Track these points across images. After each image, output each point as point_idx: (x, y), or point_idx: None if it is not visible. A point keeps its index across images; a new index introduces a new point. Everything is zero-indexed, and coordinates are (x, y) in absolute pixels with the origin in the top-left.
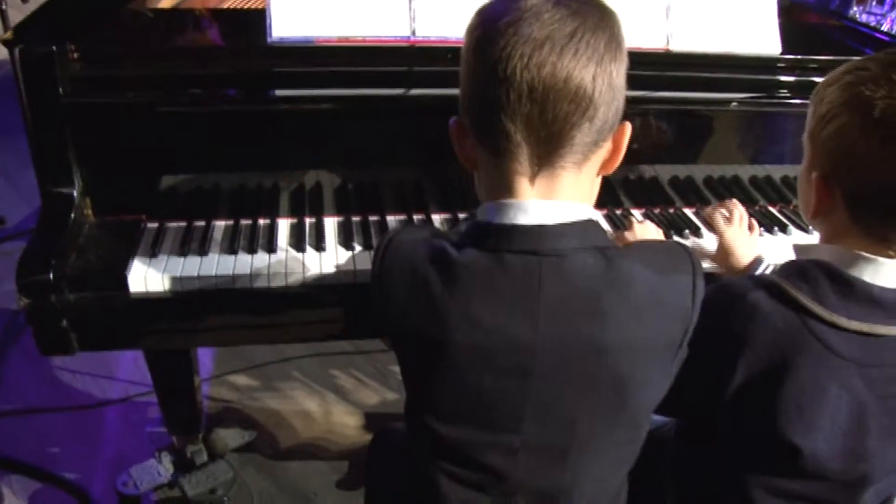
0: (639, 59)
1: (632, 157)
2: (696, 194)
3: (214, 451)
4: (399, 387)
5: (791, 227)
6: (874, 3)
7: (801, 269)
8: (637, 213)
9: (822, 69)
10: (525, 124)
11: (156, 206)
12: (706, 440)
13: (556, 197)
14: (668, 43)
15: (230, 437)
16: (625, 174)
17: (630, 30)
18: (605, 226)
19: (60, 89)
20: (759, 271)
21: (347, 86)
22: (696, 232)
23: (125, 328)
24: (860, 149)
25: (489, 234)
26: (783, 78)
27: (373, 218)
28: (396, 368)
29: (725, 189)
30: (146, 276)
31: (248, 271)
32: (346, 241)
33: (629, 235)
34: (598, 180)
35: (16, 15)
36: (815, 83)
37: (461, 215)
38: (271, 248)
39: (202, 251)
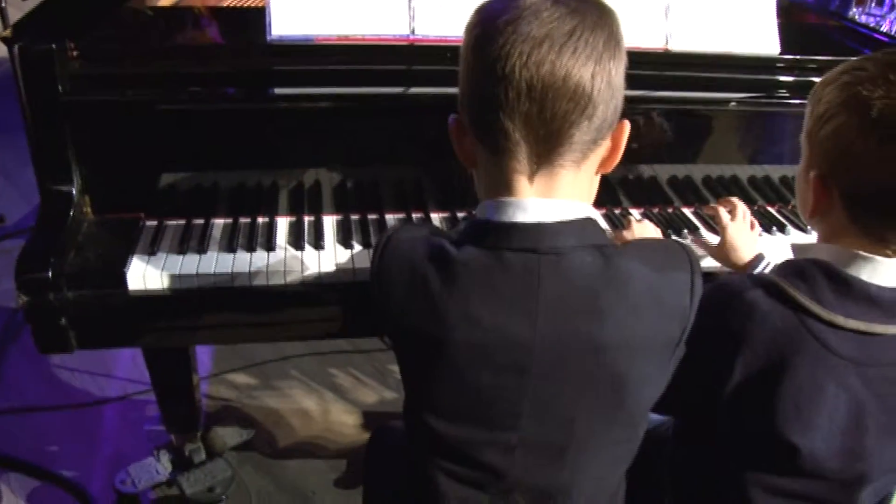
0: (638, 59)
1: (631, 156)
2: (695, 194)
3: (213, 450)
4: (397, 386)
5: (789, 227)
6: (873, 4)
7: (798, 268)
8: (636, 213)
9: (820, 69)
10: (524, 122)
11: (155, 204)
12: (704, 439)
13: (555, 195)
14: (667, 43)
15: (229, 435)
16: (624, 174)
17: (629, 29)
18: (604, 225)
19: (60, 87)
20: (759, 269)
21: (347, 84)
22: (695, 231)
23: (124, 326)
24: (858, 149)
25: (488, 231)
26: (782, 78)
27: (372, 216)
28: (395, 367)
29: (724, 189)
30: (145, 274)
31: (246, 269)
32: (344, 239)
33: (627, 234)
34: (597, 179)
35: (15, 13)
36: (814, 83)
37: (460, 214)
38: (270, 246)
39: (201, 249)
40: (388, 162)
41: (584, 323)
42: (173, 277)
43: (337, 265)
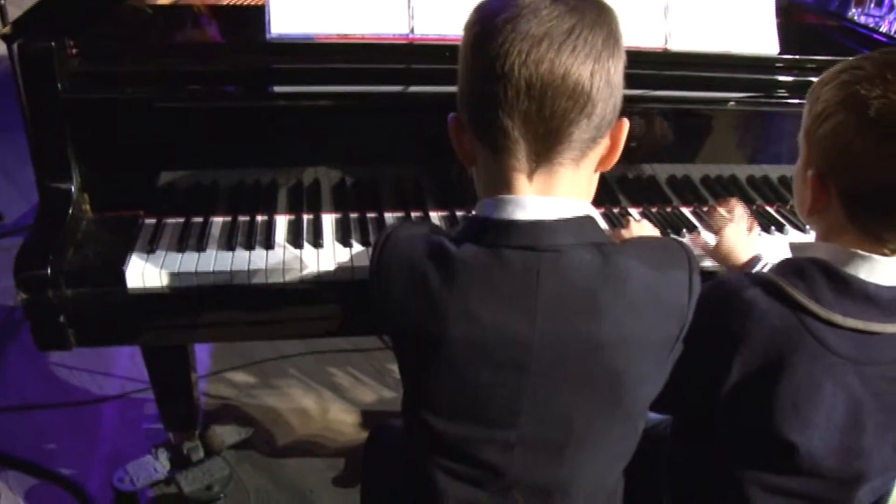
0: (637, 58)
1: (629, 155)
2: (694, 193)
3: (211, 448)
4: (396, 385)
5: (788, 227)
6: (872, 4)
7: (797, 266)
8: (635, 212)
9: (819, 69)
10: (523, 121)
11: (154, 202)
12: (702, 438)
13: (554, 193)
14: (666, 42)
15: (227, 433)
16: (623, 173)
17: (628, 29)
18: (603, 224)
19: (59, 85)
20: (756, 269)
21: (346, 83)
22: (694, 231)
23: (123, 324)
24: (856, 148)
25: (487, 229)
26: (781, 78)
27: (371, 215)
28: (393, 366)
29: (723, 188)
30: (144, 272)
31: (245, 267)
32: (343, 237)
33: (626, 233)
34: (596, 177)
35: (14, 11)
36: (813, 83)
37: (459, 213)
38: (269, 244)
39: (200, 247)
40: (388, 160)
41: (582, 321)
42: (172, 275)
43: (336, 264)
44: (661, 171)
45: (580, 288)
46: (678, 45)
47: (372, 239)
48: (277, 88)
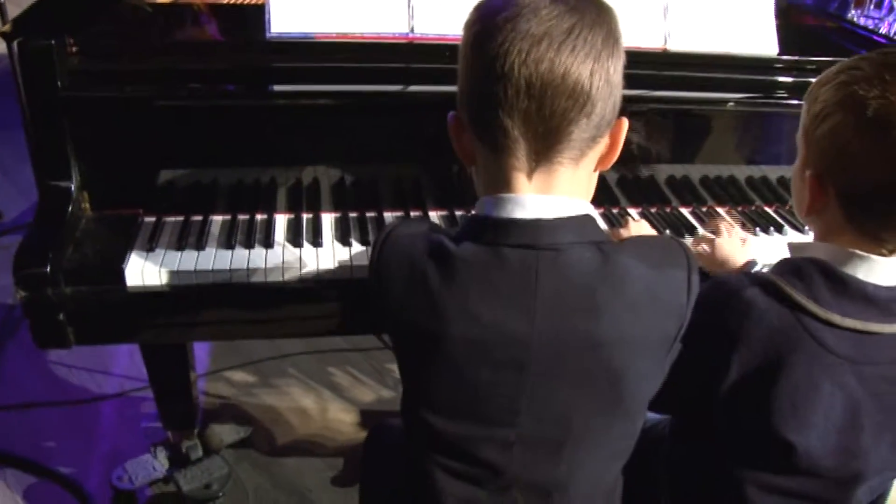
0: (636, 59)
1: (629, 156)
2: (693, 194)
3: (210, 447)
4: (395, 384)
5: (787, 228)
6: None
7: (795, 266)
8: (634, 213)
9: (818, 70)
10: (523, 120)
11: (153, 201)
12: (700, 438)
13: (554, 192)
14: (665, 42)
15: (226, 432)
16: (622, 173)
17: (628, 29)
18: (602, 224)
19: (59, 83)
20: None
21: (346, 82)
22: (693, 231)
23: (122, 322)
24: (854, 148)
25: (486, 228)
26: (780, 79)
27: (370, 214)
28: (392, 366)
29: (722, 189)
30: (143, 270)
31: (245, 266)
32: (342, 237)
33: (624, 233)
34: (596, 176)
35: (14, 9)
36: (811, 84)
37: (458, 212)
38: (268, 243)
39: (199, 246)
40: (387, 160)
41: (581, 319)
42: (171, 274)
43: (335, 263)
44: (661, 171)
45: (579, 286)
46: (677, 45)
47: (371, 238)
48: (277, 87)
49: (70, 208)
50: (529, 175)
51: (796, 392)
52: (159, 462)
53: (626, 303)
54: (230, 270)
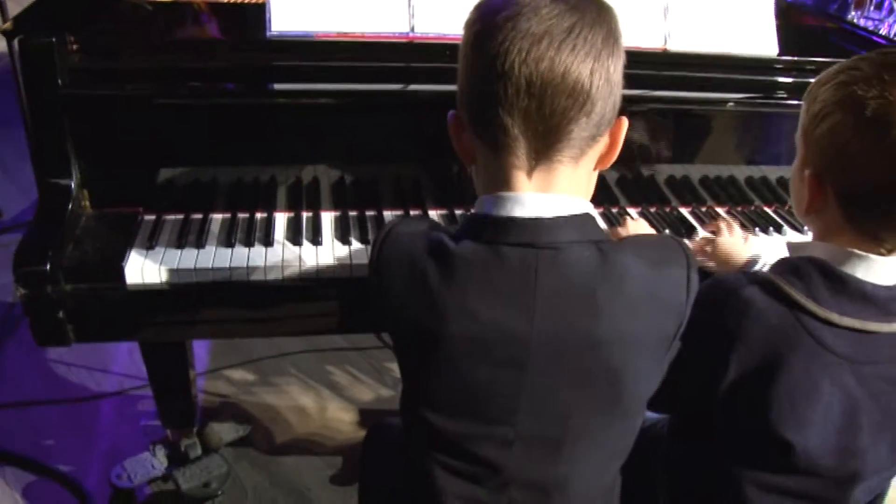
0: (636, 59)
1: (628, 155)
2: (693, 194)
3: (209, 445)
4: (394, 383)
5: (786, 228)
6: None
7: (794, 266)
8: (633, 212)
9: (818, 71)
10: (523, 118)
11: (153, 199)
12: (699, 437)
13: (553, 190)
14: (665, 42)
15: (225, 431)
16: (622, 173)
17: (628, 29)
18: (602, 224)
19: (59, 81)
20: (755, 269)
21: (346, 81)
22: (692, 231)
23: (121, 320)
24: (853, 148)
25: (486, 226)
26: (780, 79)
27: (370, 213)
28: (392, 365)
29: (721, 189)
30: (143, 268)
31: (244, 264)
32: (342, 235)
33: (623, 231)
34: (595, 175)
35: (14, 8)
36: (811, 83)
37: (458, 211)
38: (268, 241)
39: (199, 244)
40: (387, 159)
41: (580, 319)
42: (171, 272)
43: (334, 261)
44: (660, 171)
45: (578, 285)
46: (677, 45)
47: (371, 237)
48: (277, 86)
49: (70, 206)
50: (529, 174)
51: (795, 391)
52: (158, 460)
53: (625, 302)
54: (230, 269)
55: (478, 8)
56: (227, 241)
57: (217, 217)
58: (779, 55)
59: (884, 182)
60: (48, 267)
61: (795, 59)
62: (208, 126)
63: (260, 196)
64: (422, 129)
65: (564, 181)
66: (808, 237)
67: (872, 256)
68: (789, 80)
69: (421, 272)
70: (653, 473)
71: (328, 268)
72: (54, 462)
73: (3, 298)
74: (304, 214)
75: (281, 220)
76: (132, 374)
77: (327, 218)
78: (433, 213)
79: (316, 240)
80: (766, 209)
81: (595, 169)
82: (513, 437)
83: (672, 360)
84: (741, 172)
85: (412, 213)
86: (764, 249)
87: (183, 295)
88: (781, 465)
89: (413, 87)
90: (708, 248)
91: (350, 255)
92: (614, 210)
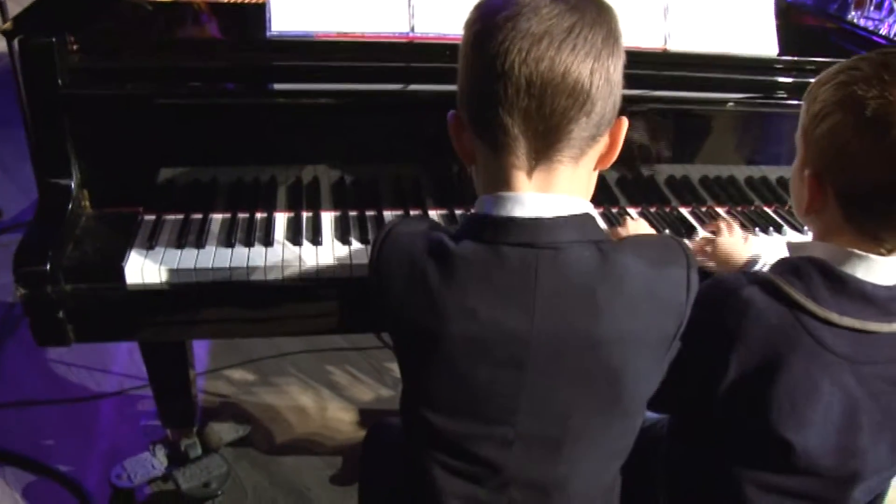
0: (636, 59)
1: (628, 155)
2: (692, 194)
3: (209, 445)
4: (394, 383)
5: (786, 228)
6: (871, 8)
7: (794, 265)
8: (633, 212)
9: (818, 71)
10: (523, 118)
11: (153, 199)
12: (699, 437)
13: (553, 190)
14: (665, 43)
15: (224, 431)
16: (622, 173)
17: (628, 29)
18: (601, 223)
19: (59, 80)
20: (755, 269)
21: (346, 81)
22: (692, 231)
23: (121, 320)
24: (853, 148)
25: (486, 226)
26: (780, 79)
27: (370, 213)
28: (391, 365)
29: (721, 189)
30: (143, 268)
31: (244, 264)
32: (342, 235)
33: (622, 231)
34: (595, 175)
35: (14, 7)
36: (811, 83)
37: (458, 212)
38: (268, 241)
39: (199, 244)
40: (387, 159)
41: (580, 319)
42: (171, 272)
43: (334, 261)
44: (660, 171)
45: (578, 285)
46: (677, 45)
47: (371, 237)
48: (277, 86)
49: (70, 206)
50: (529, 173)
51: (795, 391)
52: (158, 460)
53: (625, 301)
54: (230, 269)
55: (478, 8)
56: (227, 241)
57: (217, 217)
58: (779, 55)
59: (883, 182)
60: (48, 267)
61: (795, 59)
62: (208, 126)
63: (260, 196)
64: (422, 129)
65: (564, 181)
66: (808, 237)
67: (872, 256)
68: (789, 80)
69: (421, 272)
70: (653, 473)
71: (328, 268)
72: (54, 462)
73: (3, 298)
74: (304, 214)
75: (281, 220)
76: (132, 374)
77: (327, 218)
78: (433, 213)
79: (316, 240)
80: (766, 209)
81: (595, 169)
82: (513, 437)
83: (672, 360)
84: (741, 172)
85: (412, 213)
86: (764, 249)
87: (183, 295)
88: (781, 464)
89: (413, 87)
90: (708, 248)
91: (350, 255)
92: (614, 210)
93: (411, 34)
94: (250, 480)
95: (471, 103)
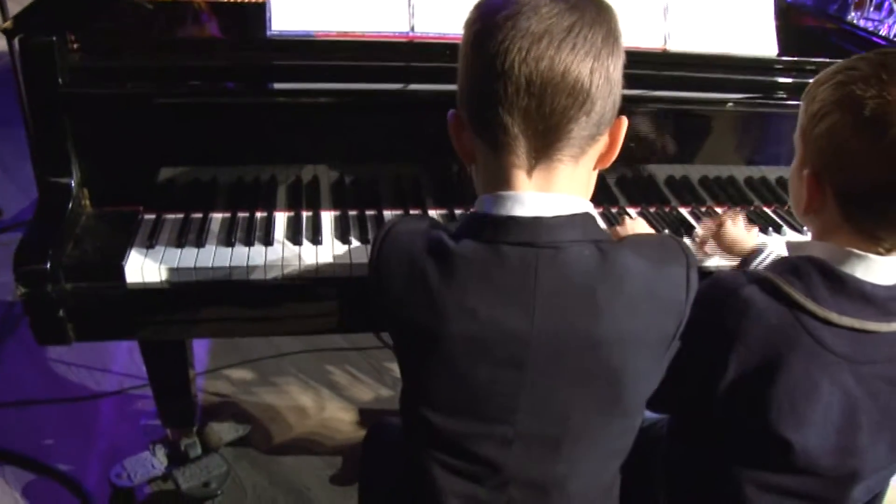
0: (636, 59)
1: (628, 155)
2: (692, 194)
3: (208, 445)
4: (394, 383)
5: (785, 228)
6: (871, 8)
7: (793, 265)
8: (632, 212)
9: (818, 71)
10: (523, 117)
11: (153, 198)
12: (698, 436)
13: (553, 190)
14: (665, 43)
15: (224, 430)
16: (621, 172)
17: (628, 29)
18: (601, 223)
19: (59, 80)
20: (761, 258)
21: (346, 80)
22: (692, 231)
23: (121, 319)
24: (851, 147)
25: (486, 225)
26: (779, 79)
27: (370, 212)
28: (391, 365)
29: (721, 189)
30: (143, 267)
31: (244, 263)
32: (342, 235)
33: (621, 231)
34: (595, 174)
35: (14, 7)
36: (809, 83)
37: (458, 211)
38: (268, 240)
39: (199, 243)
40: (387, 158)
41: (580, 318)
42: (171, 271)
43: (334, 260)
44: (660, 171)
45: (578, 285)
46: (677, 45)
47: (371, 236)
48: (277, 85)
49: (70, 205)
50: (529, 173)
51: (794, 390)
52: (158, 460)
53: (625, 301)
54: (230, 268)
55: (478, 7)
56: (227, 241)
57: (217, 216)
58: (779, 55)
59: (882, 181)
60: (48, 266)
61: (795, 59)
62: (208, 125)
63: (260, 195)
64: (422, 128)
65: (564, 180)
66: (807, 237)
67: (871, 256)
68: (789, 80)
69: (420, 271)
70: (652, 473)
71: (328, 267)
72: (54, 461)
73: (3, 297)
74: (304, 214)
75: (281, 219)
76: (132, 374)
77: (327, 217)
78: (433, 213)
79: (316, 239)
80: (766, 209)
81: (595, 168)
82: (512, 437)
83: (672, 360)
84: (741, 172)
85: (412, 212)
86: (771, 240)
87: (183, 294)
88: (781, 464)
89: (413, 86)
90: (712, 228)
91: (350, 254)
92: (614, 210)
93: (411, 34)
94: (250, 480)
95: (471, 102)
